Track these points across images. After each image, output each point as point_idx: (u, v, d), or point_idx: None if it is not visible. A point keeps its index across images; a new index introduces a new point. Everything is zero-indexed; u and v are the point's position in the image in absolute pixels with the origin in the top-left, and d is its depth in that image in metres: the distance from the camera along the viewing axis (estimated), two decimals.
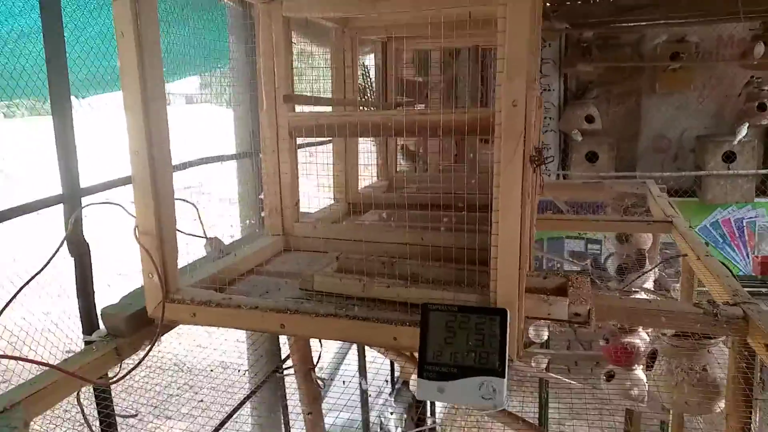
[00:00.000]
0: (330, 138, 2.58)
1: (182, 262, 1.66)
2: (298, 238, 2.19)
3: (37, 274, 1.49)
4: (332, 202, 2.91)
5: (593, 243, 6.49)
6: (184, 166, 2.19)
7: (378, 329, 1.38)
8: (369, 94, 3.83)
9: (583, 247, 6.54)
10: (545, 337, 3.74)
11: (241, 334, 3.38)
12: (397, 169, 3.58)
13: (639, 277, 2.91)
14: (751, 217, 6.42)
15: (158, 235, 1.50)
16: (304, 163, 2.24)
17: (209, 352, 3.02)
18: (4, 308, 1.41)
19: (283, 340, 3.39)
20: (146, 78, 1.42)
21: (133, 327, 1.62)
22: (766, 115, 5.85)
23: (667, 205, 3.19)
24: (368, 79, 3.83)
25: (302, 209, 2.57)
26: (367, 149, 3.41)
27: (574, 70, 6.41)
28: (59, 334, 2.02)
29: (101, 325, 1.63)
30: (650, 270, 2.97)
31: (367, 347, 4.26)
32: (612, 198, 4.07)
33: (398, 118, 1.93)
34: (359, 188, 2.99)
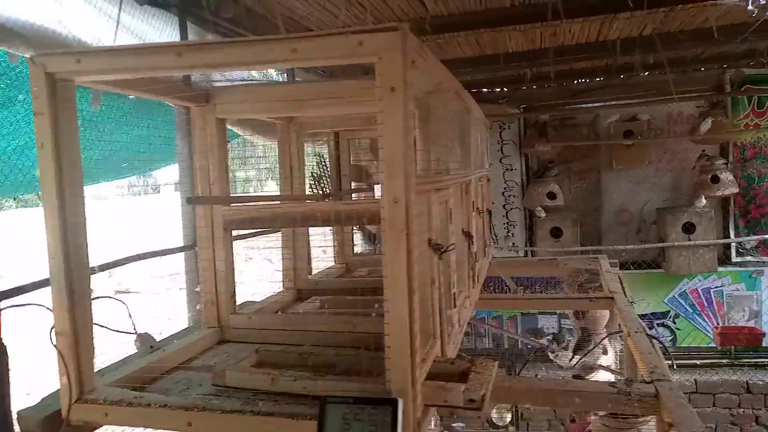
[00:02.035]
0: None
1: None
2: (234, 330, 2.21)
3: None
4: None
5: (566, 318, 6.51)
6: (114, 264, 2.23)
7: (281, 424, 1.39)
8: (325, 182, 3.97)
9: (556, 322, 6.55)
10: (508, 420, 3.69)
11: None
12: (355, 252, 3.65)
13: (584, 356, 2.93)
14: (717, 286, 6.50)
15: (73, 336, 1.53)
16: (265, 248, 2.30)
17: None
18: None
19: None
20: (64, 186, 1.50)
21: (50, 429, 1.62)
22: (720, 186, 6.06)
23: (614, 280, 3.26)
24: (324, 167, 3.98)
25: (254, 298, 2.62)
26: (324, 232, 3.50)
27: (534, 150, 6.67)
28: None
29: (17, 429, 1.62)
30: (593, 348, 3.00)
31: None
32: (567, 274, 4.15)
33: (323, 208, 2.03)
34: (313, 273, 3.04)
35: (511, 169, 6.91)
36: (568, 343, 3.27)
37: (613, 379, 3.71)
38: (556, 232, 6.53)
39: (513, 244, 6.94)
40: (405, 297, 1.30)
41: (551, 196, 6.57)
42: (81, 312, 1.55)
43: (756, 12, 2.82)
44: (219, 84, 2.15)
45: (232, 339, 2.20)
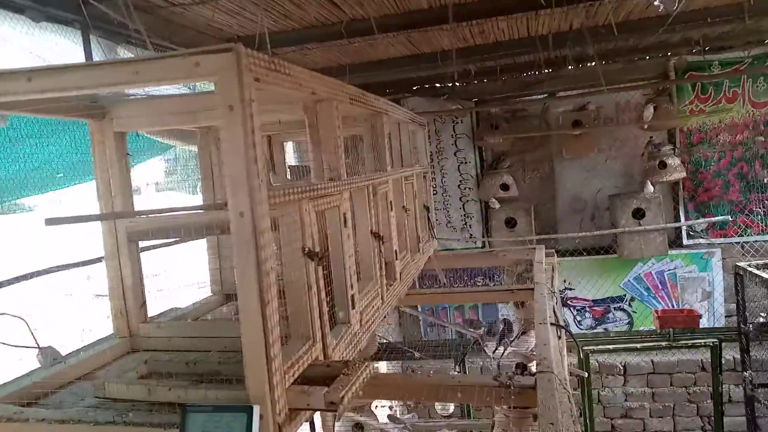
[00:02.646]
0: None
1: None
2: (145, 339, 2.25)
3: None
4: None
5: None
6: (19, 278, 2.25)
7: None
8: None
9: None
10: (451, 410, 3.78)
11: None
12: None
13: (507, 346, 3.01)
14: (670, 269, 6.65)
15: None
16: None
17: None
18: None
19: None
20: None
21: None
22: (668, 171, 6.19)
23: (544, 270, 3.34)
24: None
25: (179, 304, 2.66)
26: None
27: (486, 142, 6.75)
28: None
29: None
30: (514, 339, 3.08)
31: None
32: (507, 265, 4.24)
33: (221, 217, 2.07)
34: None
35: (466, 162, 6.98)
36: (501, 334, 3.35)
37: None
38: (510, 222, 6.62)
39: (470, 235, 7.03)
40: (257, 307, 1.35)
41: (504, 187, 6.66)
42: None
43: (661, 7, 2.90)
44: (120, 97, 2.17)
45: (143, 348, 2.24)
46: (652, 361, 6.14)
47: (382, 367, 6.14)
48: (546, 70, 6.30)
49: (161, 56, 1.33)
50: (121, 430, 1.46)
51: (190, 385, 1.55)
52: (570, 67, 6.12)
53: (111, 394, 1.61)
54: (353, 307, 2.05)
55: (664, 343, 5.05)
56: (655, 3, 2.83)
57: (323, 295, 1.73)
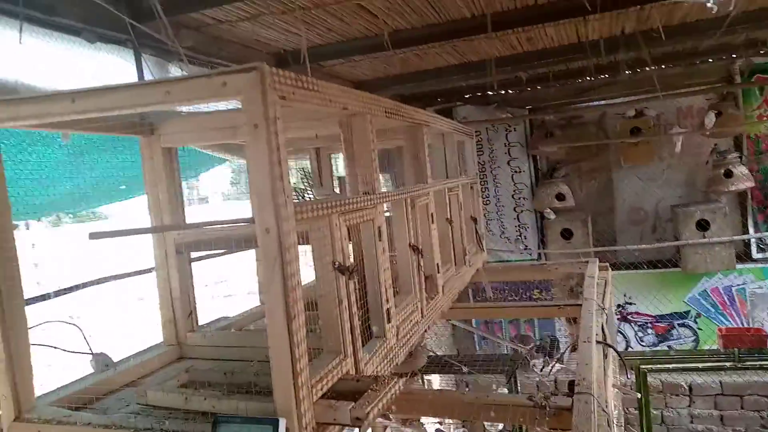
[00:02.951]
0: None
1: None
2: (192, 348, 2.32)
3: None
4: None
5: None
6: (72, 289, 2.37)
7: None
8: (310, 195, 4.07)
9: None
10: (500, 426, 3.68)
11: None
12: None
13: (552, 364, 2.92)
14: (739, 284, 6.28)
15: (9, 360, 1.66)
16: None
17: None
18: None
19: None
20: None
21: None
22: (734, 181, 5.87)
23: (591, 286, 3.23)
24: (307, 182, 4.08)
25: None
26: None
27: (540, 150, 6.61)
28: None
29: None
30: (560, 356, 2.98)
31: None
32: (559, 278, 4.12)
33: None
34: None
35: (520, 172, 6.86)
36: (549, 351, 3.25)
37: None
38: (566, 234, 6.44)
39: (525, 246, 6.89)
40: (283, 322, 1.36)
41: (560, 197, 6.49)
42: (17, 338, 1.68)
43: (715, 9, 2.76)
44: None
45: (190, 356, 2.30)
46: (720, 382, 5.81)
47: (435, 380, 6.08)
48: (603, 76, 6.12)
49: (190, 77, 1.37)
50: None
51: (223, 396, 1.58)
52: (627, 73, 5.94)
53: (151, 402, 1.67)
54: (389, 321, 2.04)
55: (728, 364, 4.75)
56: (708, 5, 2.69)
57: (354, 309, 1.73)
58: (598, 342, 2.43)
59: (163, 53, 2.79)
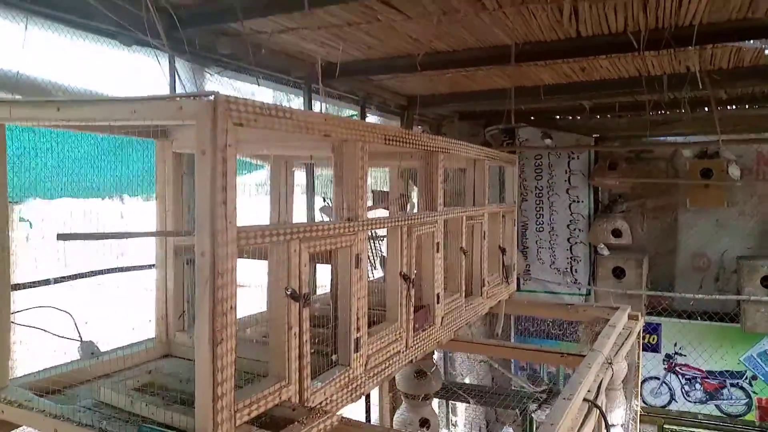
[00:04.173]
0: None
1: None
2: (179, 346, 2.40)
3: None
4: None
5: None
6: (71, 277, 2.51)
7: None
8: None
9: None
10: None
11: None
12: None
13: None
14: None
15: None
16: None
17: None
18: None
19: None
20: None
21: None
22: None
23: (608, 337, 3.06)
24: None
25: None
26: None
27: (602, 182, 6.33)
28: None
29: None
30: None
31: None
32: (586, 321, 3.93)
33: None
34: None
35: (578, 202, 6.60)
36: (546, 399, 3.09)
37: None
38: (618, 272, 6.13)
39: (575, 280, 6.62)
40: (208, 345, 1.38)
41: (617, 233, 6.19)
42: None
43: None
44: None
45: (177, 354, 2.39)
46: None
47: (460, 408, 5.97)
48: (678, 111, 5.77)
49: (153, 98, 1.43)
50: None
51: (163, 405, 1.63)
52: (706, 109, 5.59)
53: (104, 399, 1.74)
54: (357, 351, 2.02)
55: None
56: (766, 52, 2.48)
57: (306, 337, 1.73)
58: (585, 400, 2.30)
59: (199, 59, 2.91)
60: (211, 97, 1.35)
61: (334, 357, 1.94)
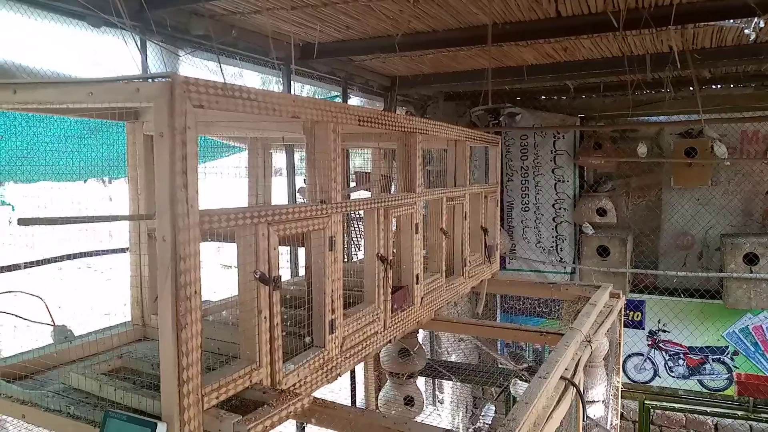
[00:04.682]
0: None
1: None
2: (154, 329, 2.39)
3: None
4: None
5: None
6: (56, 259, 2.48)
7: (81, 429, 1.53)
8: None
9: None
10: None
11: None
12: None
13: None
14: None
15: None
16: None
17: None
18: None
19: None
20: None
21: None
22: None
23: (587, 315, 3.08)
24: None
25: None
26: None
27: (588, 161, 6.33)
28: None
29: None
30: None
31: None
32: (569, 299, 3.96)
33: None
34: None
35: (564, 181, 6.60)
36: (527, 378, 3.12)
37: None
38: (603, 251, 6.17)
39: (561, 259, 6.65)
40: (172, 330, 1.37)
41: (601, 212, 6.22)
42: None
43: (754, 36, 2.53)
44: None
45: (153, 338, 2.38)
46: (750, 427, 5.44)
47: (446, 385, 6.02)
48: (663, 90, 5.77)
49: (110, 80, 1.40)
50: (60, 419, 1.57)
51: (132, 389, 1.62)
52: (691, 89, 5.58)
53: (73, 384, 1.74)
54: (332, 332, 2.02)
55: (740, 413, 4.42)
56: (746, 32, 2.47)
57: (277, 320, 1.72)
58: (562, 378, 2.32)
59: (173, 40, 2.85)
60: (169, 79, 1.33)
61: (307, 339, 1.94)
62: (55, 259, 2.56)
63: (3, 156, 3.11)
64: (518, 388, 3.22)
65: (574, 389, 2.30)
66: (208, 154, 4.00)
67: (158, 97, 1.33)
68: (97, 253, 3.04)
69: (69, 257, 2.66)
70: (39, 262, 2.48)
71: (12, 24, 2.30)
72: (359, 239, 4.24)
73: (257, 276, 1.65)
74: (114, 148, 3.36)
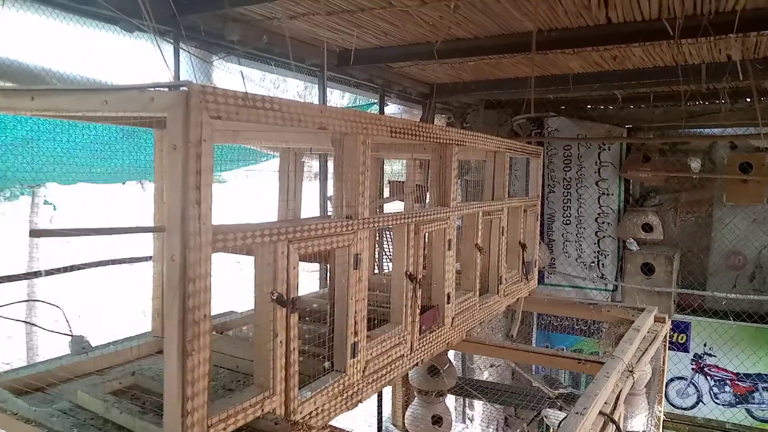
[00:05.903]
0: None
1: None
2: None
3: None
4: None
5: None
6: (66, 269, 2.44)
7: None
8: None
9: None
10: None
11: None
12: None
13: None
14: None
15: None
16: None
17: None
18: None
19: None
20: None
21: None
22: None
23: (629, 342, 2.89)
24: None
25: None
26: None
27: (634, 174, 6.06)
28: None
29: None
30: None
31: None
32: (610, 322, 3.76)
33: None
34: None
35: (608, 194, 6.34)
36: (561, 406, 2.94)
37: None
38: (647, 269, 5.89)
39: (602, 275, 6.39)
40: (177, 358, 1.28)
41: (647, 227, 5.94)
42: None
43: None
44: None
45: None
46: None
47: (477, 403, 5.83)
48: (719, 101, 5.47)
49: (125, 88, 1.32)
50: None
51: (139, 412, 1.54)
52: (747, 100, 5.29)
53: (79, 402, 1.67)
54: (353, 356, 1.91)
55: None
56: None
57: (294, 344, 1.62)
58: (601, 413, 2.15)
59: (207, 46, 2.80)
60: (185, 88, 1.24)
61: (326, 364, 1.83)
62: (85, 266, 2.53)
63: (42, 158, 3.12)
64: (551, 417, 3.04)
65: (614, 426, 2.13)
66: (251, 157, 3.98)
67: (173, 107, 1.24)
68: (131, 260, 3.00)
69: (108, 262, 2.63)
70: (69, 268, 2.43)
71: (46, 29, 2.27)
72: (391, 249, 4.13)
73: (274, 297, 1.55)
74: (150, 152, 3.36)
